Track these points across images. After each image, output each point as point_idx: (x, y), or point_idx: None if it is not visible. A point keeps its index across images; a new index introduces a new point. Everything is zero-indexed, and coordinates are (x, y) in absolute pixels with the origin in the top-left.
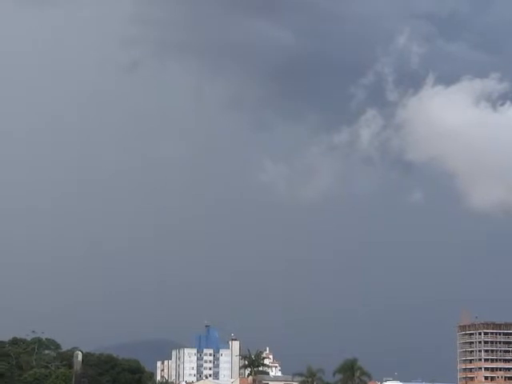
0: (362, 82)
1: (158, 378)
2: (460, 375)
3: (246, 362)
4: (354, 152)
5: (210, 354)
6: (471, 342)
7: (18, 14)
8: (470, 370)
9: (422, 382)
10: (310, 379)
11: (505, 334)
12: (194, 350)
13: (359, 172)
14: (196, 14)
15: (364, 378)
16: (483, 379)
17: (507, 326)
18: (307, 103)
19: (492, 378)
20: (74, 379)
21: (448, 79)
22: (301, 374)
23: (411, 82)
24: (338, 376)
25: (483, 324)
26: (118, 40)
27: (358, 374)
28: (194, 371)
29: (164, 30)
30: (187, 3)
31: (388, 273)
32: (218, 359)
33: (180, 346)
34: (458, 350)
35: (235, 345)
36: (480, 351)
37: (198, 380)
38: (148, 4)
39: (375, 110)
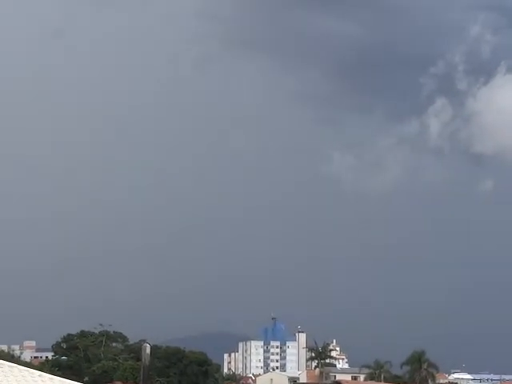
0: (431, 72)
1: (225, 370)
2: None
3: (313, 355)
4: (423, 143)
5: (277, 347)
6: None
7: (91, 14)
8: None
9: (490, 374)
10: (377, 371)
11: None
12: (261, 343)
13: (428, 163)
14: (263, 11)
15: (431, 370)
16: None
17: None
18: (376, 95)
19: None
20: (142, 371)
21: None
22: (368, 366)
23: (482, 72)
24: (406, 368)
25: None
26: (188, 36)
27: (425, 365)
28: (261, 363)
29: (232, 26)
30: (254, 0)
31: (457, 263)
32: (284, 351)
33: (247, 339)
34: None
35: (302, 337)
36: None
37: (264, 372)
38: (216, 1)
39: (445, 100)
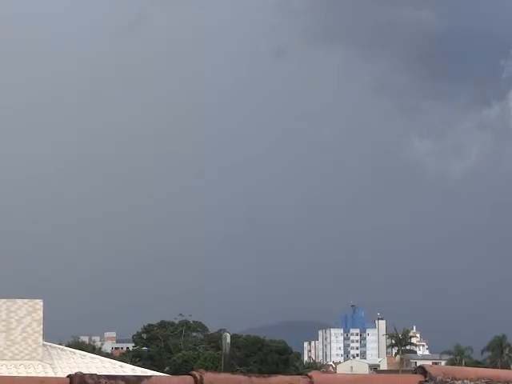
0: None
1: (305, 358)
2: None
3: (393, 341)
4: (505, 126)
5: (357, 334)
6: None
7: (167, 5)
8: None
9: None
10: (458, 357)
11: None
12: (341, 330)
13: (510, 147)
14: (340, 1)
15: None
16: None
17: None
18: (455, 80)
19: None
20: (223, 361)
21: None
22: (449, 353)
23: None
24: (487, 354)
25: None
26: (264, 29)
27: (506, 351)
28: (341, 351)
29: (310, 18)
30: None
31: None
32: (364, 339)
33: (326, 327)
34: None
35: (381, 324)
36: None
37: (345, 360)
38: None
39: None
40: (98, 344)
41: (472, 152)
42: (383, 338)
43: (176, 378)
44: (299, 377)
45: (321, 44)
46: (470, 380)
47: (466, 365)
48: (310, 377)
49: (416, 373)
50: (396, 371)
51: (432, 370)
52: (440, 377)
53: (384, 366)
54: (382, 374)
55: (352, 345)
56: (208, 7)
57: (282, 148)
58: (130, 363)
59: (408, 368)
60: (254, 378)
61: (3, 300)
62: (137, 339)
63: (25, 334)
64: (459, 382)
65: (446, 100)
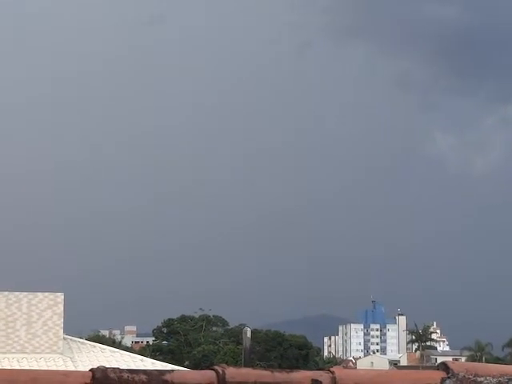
0: None
1: (325, 353)
2: None
3: (414, 337)
4: None
5: (377, 330)
6: None
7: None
8: None
9: None
10: (478, 354)
11: None
12: (361, 326)
13: None
14: None
15: None
16: None
17: None
18: (478, 77)
19: None
20: (243, 355)
21: None
22: (469, 349)
23: None
24: (507, 350)
25: None
26: (287, 24)
27: None
28: (361, 347)
29: (332, 14)
30: None
31: None
32: (384, 334)
33: (346, 322)
34: None
35: (402, 320)
36: None
37: (365, 355)
38: None
39: None
40: (118, 338)
41: (494, 149)
42: (403, 334)
43: (198, 373)
44: (322, 372)
45: (344, 40)
46: (493, 377)
47: (487, 361)
48: (333, 372)
49: (438, 369)
50: (416, 367)
51: (454, 367)
52: (462, 373)
53: (404, 362)
54: (405, 370)
55: (372, 340)
56: (230, 6)
57: (298, 145)
58: (150, 357)
59: (428, 364)
60: (276, 373)
61: (24, 293)
62: (157, 333)
63: (45, 328)
64: (482, 378)
65: (469, 96)
